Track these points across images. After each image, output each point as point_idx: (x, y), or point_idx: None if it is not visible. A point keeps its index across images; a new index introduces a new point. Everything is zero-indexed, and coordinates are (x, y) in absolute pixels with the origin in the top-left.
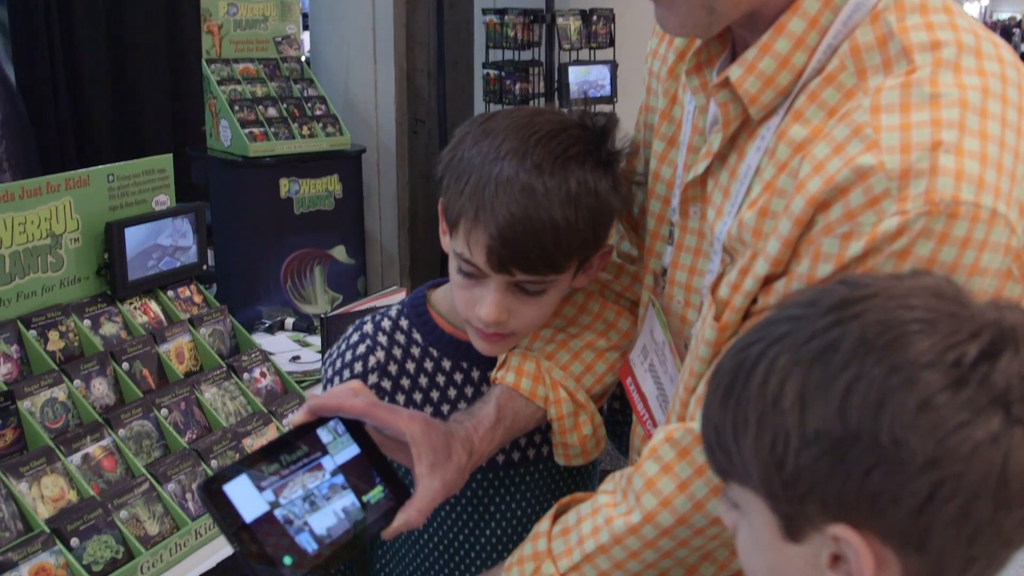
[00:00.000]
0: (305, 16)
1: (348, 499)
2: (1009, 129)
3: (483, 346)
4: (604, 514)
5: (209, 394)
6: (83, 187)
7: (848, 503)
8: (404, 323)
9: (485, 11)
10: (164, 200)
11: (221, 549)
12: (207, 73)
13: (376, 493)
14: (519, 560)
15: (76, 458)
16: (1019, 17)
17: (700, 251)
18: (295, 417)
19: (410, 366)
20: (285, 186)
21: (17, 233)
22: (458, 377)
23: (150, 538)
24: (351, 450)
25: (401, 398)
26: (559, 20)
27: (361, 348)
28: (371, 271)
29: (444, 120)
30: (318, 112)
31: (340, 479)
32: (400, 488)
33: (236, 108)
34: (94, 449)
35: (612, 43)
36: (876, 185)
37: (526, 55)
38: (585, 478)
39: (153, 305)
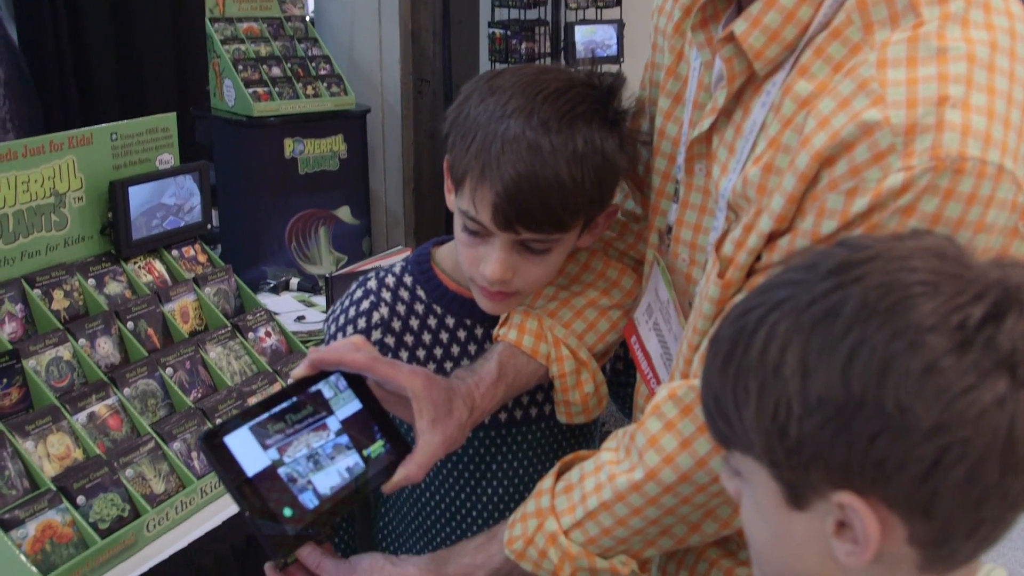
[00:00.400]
0: None
1: (352, 458)
2: (1017, 84)
3: (487, 304)
4: (607, 471)
5: (214, 353)
6: (86, 146)
7: (853, 470)
8: (408, 280)
9: None
10: (168, 159)
11: (227, 507)
12: (210, 32)
13: (377, 448)
14: (522, 517)
15: (82, 417)
16: None
17: (705, 208)
18: (296, 370)
19: (413, 323)
20: (289, 146)
21: (20, 192)
22: (461, 334)
23: (156, 496)
24: (352, 405)
25: (404, 354)
26: None
27: (365, 304)
28: (376, 231)
29: (449, 80)
30: (322, 72)
31: (345, 439)
32: (401, 443)
33: (240, 68)
34: (99, 408)
35: (619, 2)
36: (881, 140)
37: (532, 14)
38: (587, 437)
39: (157, 264)
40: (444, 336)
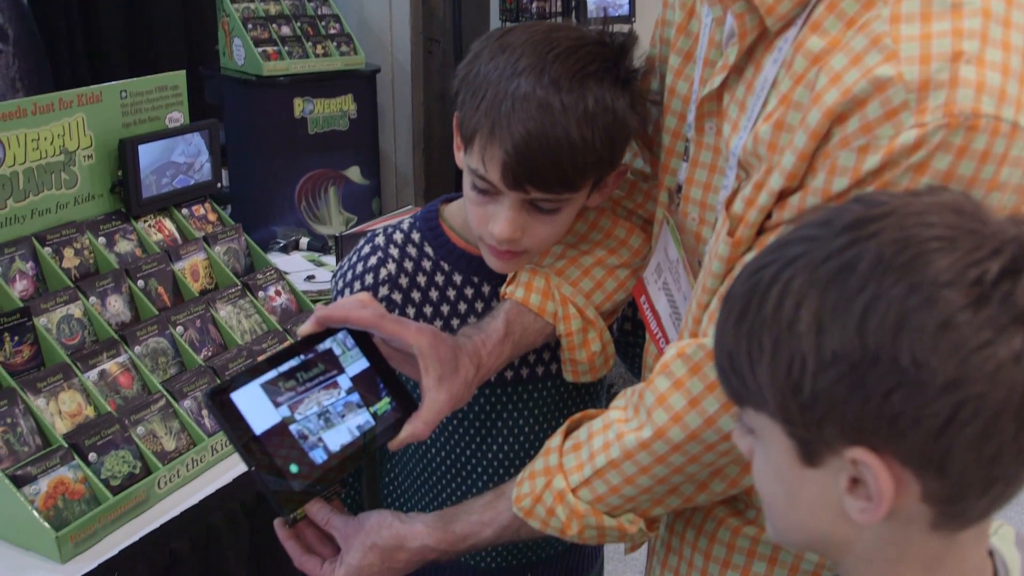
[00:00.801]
0: None
1: (362, 416)
2: None
3: (496, 263)
4: (615, 429)
5: (224, 312)
6: (96, 103)
7: (867, 426)
8: (416, 236)
9: None
10: (178, 117)
11: (237, 465)
12: None
13: (383, 405)
14: (530, 475)
15: (93, 374)
16: None
17: (715, 167)
18: (303, 327)
19: (421, 279)
20: (299, 106)
21: (30, 150)
22: (468, 292)
23: (167, 454)
24: (360, 363)
25: (411, 311)
26: None
27: (372, 260)
28: (386, 192)
29: (459, 39)
30: (332, 31)
31: (356, 397)
32: (407, 400)
33: (249, 27)
34: (110, 366)
35: None
36: (894, 97)
37: None
38: (593, 396)
39: (167, 223)
40: (451, 293)
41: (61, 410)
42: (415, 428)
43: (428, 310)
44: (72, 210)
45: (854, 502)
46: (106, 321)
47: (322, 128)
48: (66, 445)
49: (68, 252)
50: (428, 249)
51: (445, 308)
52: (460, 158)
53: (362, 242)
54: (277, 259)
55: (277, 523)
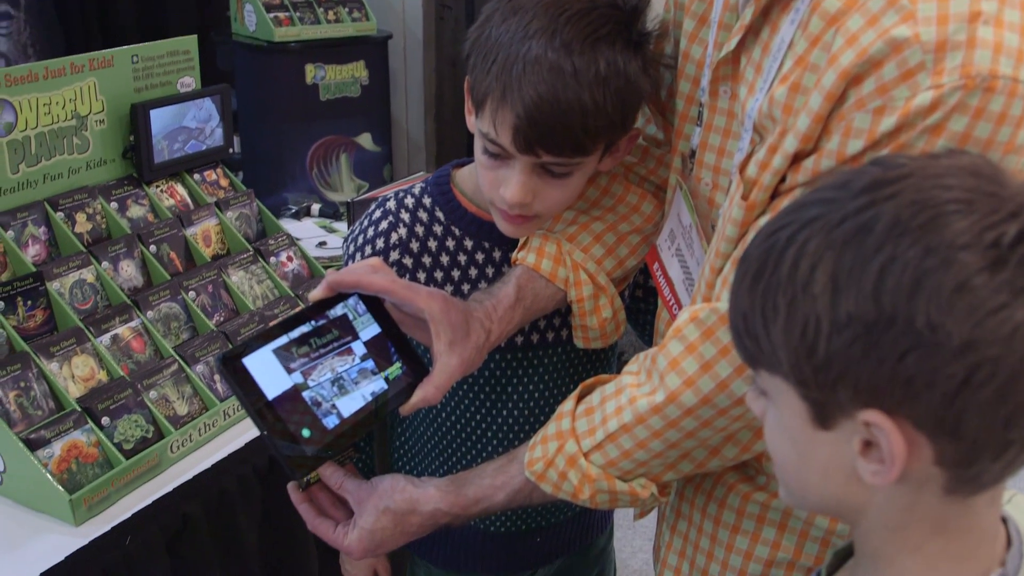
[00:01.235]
0: None
1: (377, 382)
2: None
3: (507, 228)
4: (628, 394)
5: (236, 277)
6: (107, 68)
7: (881, 388)
8: (427, 201)
9: None
10: (189, 82)
11: (249, 430)
12: None
13: (395, 370)
14: (543, 439)
15: (105, 339)
16: None
17: (729, 132)
18: (314, 292)
19: (432, 244)
20: (311, 72)
21: (42, 114)
22: (479, 257)
23: (179, 418)
24: (371, 328)
25: (422, 276)
26: None
27: (383, 224)
28: (397, 159)
29: (471, 4)
30: None
31: (370, 363)
32: (418, 365)
33: None
34: (123, 330)
35: None
36: (911, 58)
37: None
38: (603, 362)
39: (179, 188)
40: (462, 258)
41: (74, 374)
42: (427, 393)
43: (439, 275)
44: (84, 175)
45: (867, 465)
46: (118, 286)
47: (334, 94)
48: (79, 409)
49: (80, 217)
50: (439, 214)
51: (456, 273)
52: (471, 122)
53: (373, 206)
54: (289, 225)
55: (290, 487)
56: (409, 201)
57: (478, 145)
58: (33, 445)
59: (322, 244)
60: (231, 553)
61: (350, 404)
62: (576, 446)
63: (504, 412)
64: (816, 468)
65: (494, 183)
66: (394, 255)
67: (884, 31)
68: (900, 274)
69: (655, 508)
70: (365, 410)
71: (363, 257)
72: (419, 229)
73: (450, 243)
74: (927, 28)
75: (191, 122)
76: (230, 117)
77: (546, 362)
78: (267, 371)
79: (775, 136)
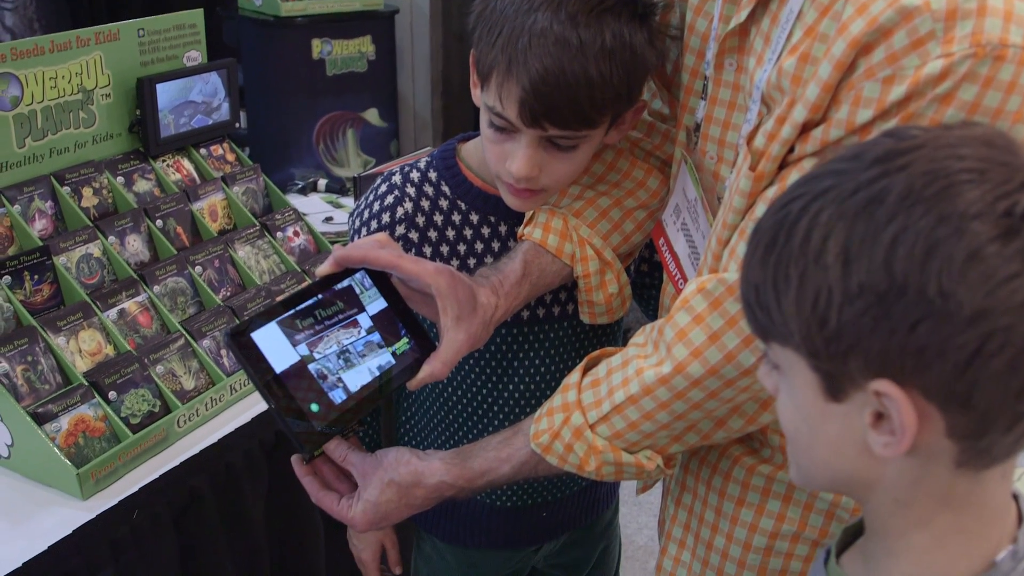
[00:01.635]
0: None
1: (383, 356)
2: None
3: (513, 201)
4: (634, 365)
5: (243, 252)
6: (113, 41)
7: (892, 358)
8: (433, 175)
9: None
10: (195, 56)
11: (256, 404)
12: None
13: (401, 345)
14: (548, 411)
15: (112, 313)
16: None
17: (735, 105)
18: (321, 268)
19: (438, 218)
20: (317, 47)
21: (48, 88)
22: (485, 231)
23: (186, 392)
24: (377, 303)
25: (428, 250)
26: None
27: (389, 199)
28: (404, 134)
29: None
30: None
31: (376, 336)
32: (425, 340)
33: None
34: (130, 305)
35: None
36: (921, 26)
37: None
38: (609, 337)
39: (186, 163)
40: (468, 232)
41: (81, 349)
42: (434, 368)
43: (445, 249)
44: (90, 149)
45: (878, 437)
46: (125, 260)
47: (340, 70)
48: (86, 383)
49: (87, 191)
50: (445, 188)
51: (462, 247)
52: (477, 95)
53: (379, 181)
54: (295, 200)
55: (294, 459)
56: (415, 175)
57: (484, 118)
58: (40, 419)
59: (328, 219)
60: (238, 527)
61: (357, 378)
62: (582, 418)
63: (510, 387)
64: (827, 442)
65: (500, 157)
66: (400, 229)
67: None
68: (912, 244)
69: (659, 482)
70: (372, 385)
71: (369, 232)
72: (425, 203)
73: (456, 217)
74: None
75: (197, 96)
76: (236, 91)
77: (552, 337)
78: (274, 345)
79: (783, 107)
